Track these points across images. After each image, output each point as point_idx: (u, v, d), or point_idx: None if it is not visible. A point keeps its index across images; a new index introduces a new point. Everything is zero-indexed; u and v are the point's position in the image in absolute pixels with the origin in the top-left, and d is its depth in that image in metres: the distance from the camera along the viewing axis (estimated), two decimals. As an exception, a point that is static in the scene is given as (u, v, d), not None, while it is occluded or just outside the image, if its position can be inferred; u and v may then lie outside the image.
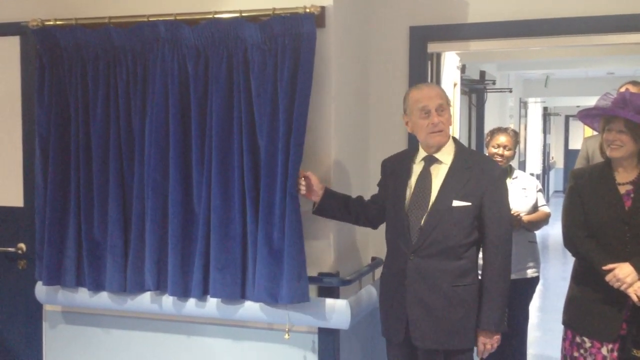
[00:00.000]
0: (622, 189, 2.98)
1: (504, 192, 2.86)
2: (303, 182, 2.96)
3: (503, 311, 2.80)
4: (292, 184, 2.92)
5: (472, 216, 2.78)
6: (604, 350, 2.99)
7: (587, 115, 3.13)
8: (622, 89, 3.77)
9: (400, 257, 2.85)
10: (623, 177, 2.99)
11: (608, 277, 2.89)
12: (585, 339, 3.04)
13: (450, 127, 2.92)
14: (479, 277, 2.84)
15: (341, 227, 3.19)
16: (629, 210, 2.92)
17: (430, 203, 2.80)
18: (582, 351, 3.05)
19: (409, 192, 2.88)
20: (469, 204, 2.77)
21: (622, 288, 2.86)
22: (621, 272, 2.85)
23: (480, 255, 2.87)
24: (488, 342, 2.82)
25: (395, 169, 2.97)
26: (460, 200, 2.77)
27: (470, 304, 2.79)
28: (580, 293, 3.08)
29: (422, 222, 2.79)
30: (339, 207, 3.03)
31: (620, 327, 2.95)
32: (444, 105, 2.83)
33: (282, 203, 2.95)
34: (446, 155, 2.86)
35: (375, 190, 3.14)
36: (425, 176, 2.86)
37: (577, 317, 3.07)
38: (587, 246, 2.99)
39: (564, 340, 3.17)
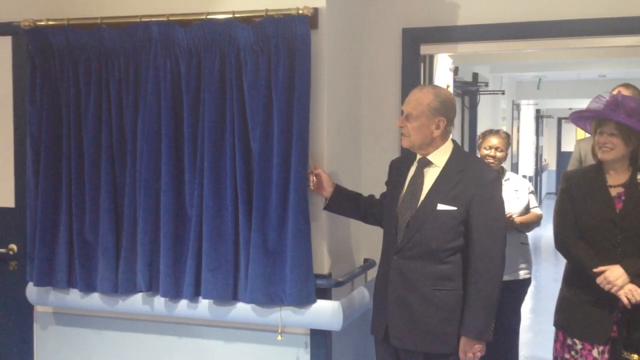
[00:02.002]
0: (614, 192, 2.99)
1: (495, 197, 2.79)
2: (314, 178, 2.97)
3: (487, 320, 2.73)
4: (300, 184, 2.92)
5: (457, 221, 2.74)
6: (594, 352, 2.99)
7: (579, 118, 3.14)
8: (615, 92, 3.79)
9: (387, 257, 2.87)
10: (614, 180, 3.00)
11: (599, 280, 2.90)
12: (577, 341, 3.04)
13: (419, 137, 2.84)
14: None
15: (334, 229, 3.19)
16: (619, 213, 2.94)
17: (418, 205, 2.80)
18: (573, 353, 3.06)
19: (402, 193, 2.88)
20: (454, 208, 2.73)
21: (613, 290, 2.87)
22: (612, 275, 2.86)
23: None
24: (469, 350, 2.75)
25: (398, 169, 2.98)
26: (445, 204, 2.74)
27: (452, 309, 2.74)
28: (571, 295, 3.09)
29: (407, 223, 2.79)
30: (349, 203, 3.05)
31: (611, 329, 2.96)
32: (414, 114, 2.79)
33: (278, 205, 2.95)
34: (440, 158, 2.84)
35: (367, 190, 3.15)
36: (418, 178, 2.86)
37: (568, 319, 3.08)
38: (578, 248, 2.99)
39: (555, 341, 3.17)
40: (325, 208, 3.05)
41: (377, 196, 3.13)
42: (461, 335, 2.75)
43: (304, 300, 2.96)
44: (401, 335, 2.80)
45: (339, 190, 3.03)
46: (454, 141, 2.91)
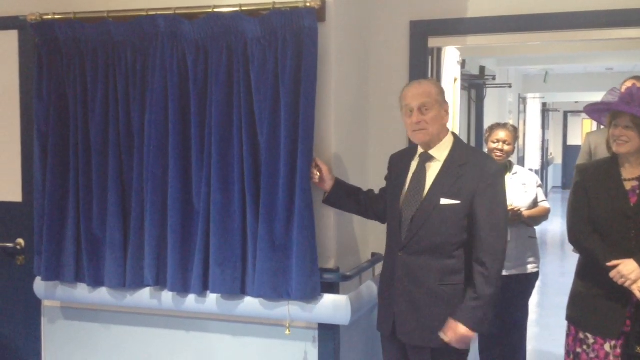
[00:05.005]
0: (628, 185, 2.97)
1: (498, 190, 2.75)
2: (317, 173, 2.96)
3: (487, 313, 2.69)
4: (304, 178, 2.90)
5: (461, 215, 2.71)
6: (607, 347, 2.98)
7: (594, 110, 3.12)
8: (628, 84, 3.76)
9: (392, 253, 2.85)
10: (629, 173, 2.99)
11: (612, 274, 2.88)
12: (589, 335, 3.03)
13: (449, 124, 2.88)
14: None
15: (342, 223, 3.17)
16: (634, 206, 2.92)
17: (422, 200, 2.77)
18: (585, 347, 3.04)
19: (405, 188, 2.86)
20: (458, 202, 2.71)
21: (626, 285, 2.86)
22: (625, 269, 2.85)
23: None
24: (450, 332, 2.68)
25: (399, 164, 2.96)
26: (449, 198, 2.71)
27: (457, 304, 2.71)
28: (584, 289, 3.07)
29: (411, 219, 2.77)
30: (348, 198, 3.03)
31: (624, 324, 2.95)
32: (429, 104, 2.76)
33: (285, 198, 2.94)
34: (441, 152, 2.82)
35: (374, 184, 3.14)
36: (420, 173, 2.83)
37: (581, 313, 3.07)
38: (592, 242, 2.98)
39: (567, 336, 3.16)
40: (325, 202, 3.03)
41: (376, 191, 3.11)
42: (458, 320, 2.68)
43: (309, 295, 2.95)
44: (409, 331, 2.79)
45: (339, 184, 3.01)
46: (454, 134, 2.90)
